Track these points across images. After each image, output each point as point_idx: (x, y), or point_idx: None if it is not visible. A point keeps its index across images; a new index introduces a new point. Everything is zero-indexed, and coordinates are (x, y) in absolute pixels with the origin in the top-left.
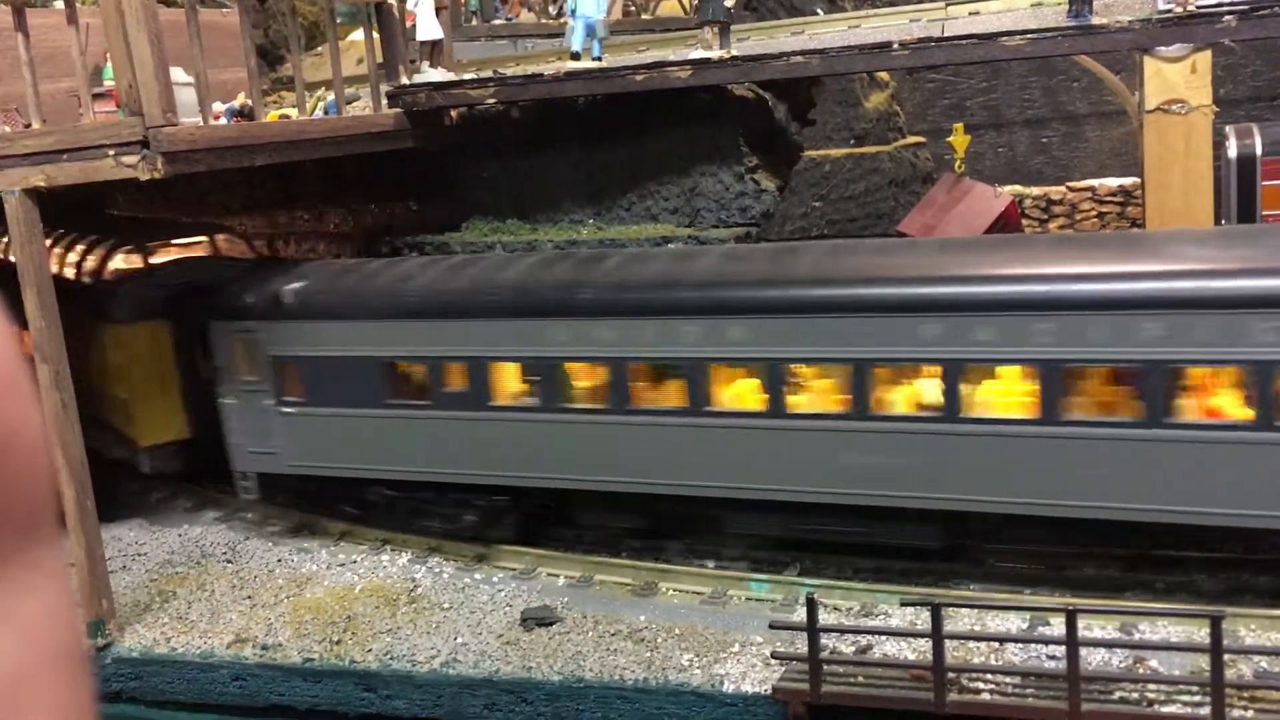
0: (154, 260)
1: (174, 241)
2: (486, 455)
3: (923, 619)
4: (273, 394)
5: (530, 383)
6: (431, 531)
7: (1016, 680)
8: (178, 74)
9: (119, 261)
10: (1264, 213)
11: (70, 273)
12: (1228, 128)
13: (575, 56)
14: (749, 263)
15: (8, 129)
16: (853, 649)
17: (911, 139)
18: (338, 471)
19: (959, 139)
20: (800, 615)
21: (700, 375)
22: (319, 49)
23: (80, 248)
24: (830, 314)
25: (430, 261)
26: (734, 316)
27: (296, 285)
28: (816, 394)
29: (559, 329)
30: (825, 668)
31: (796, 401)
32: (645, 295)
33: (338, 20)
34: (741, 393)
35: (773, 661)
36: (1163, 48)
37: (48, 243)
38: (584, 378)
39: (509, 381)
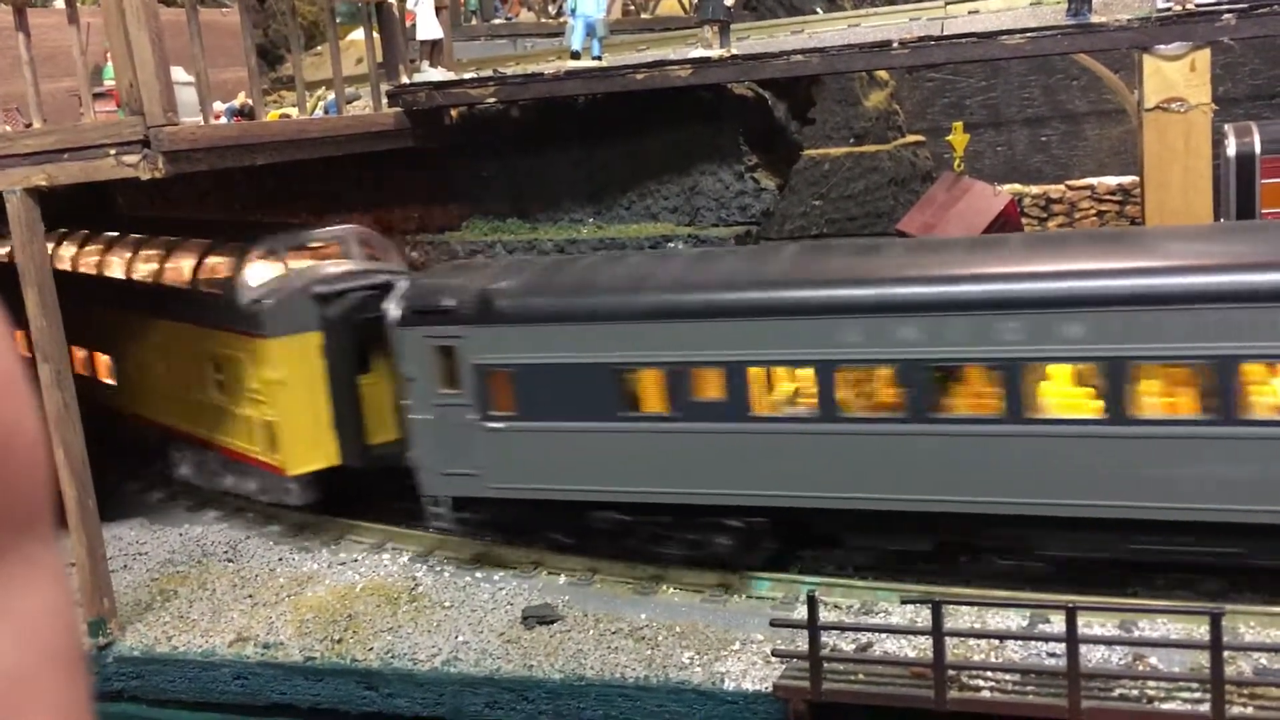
0: (295, 265)
1: (310, 245)
2: (747, 472)
3: (923, 616)
4: (476, 408)
5: (806, 390)
6: (666, 559)
7: (1017, 677)
8: (178, 73)
9: (258, 267)
10: (1263, 210)
11: (181, 280)
12: (1226, 126)
13: (575, 55)
14: (1076, 249)
15: (9, 128)
16: (853, 646)
17: (911, 138)
18: (554, 494)
19: (958, 138)
20: (801, 613)
21: (1021, 377)
22: (319, 48)
23: (193, 253)
24: (1189, 305)
25: (663, 255)
26: (1068, 310)
27: (505, 285)
28: (1167, 396)
29: (844, 328)
30: (826, 665)
31: (1140, 405)
32: (955, 289)
33: (338, 20)
34: (1070, 396)
35: (773, 659)
36: (1162, 46)
37: (136, 246)
38: (873, 383)
39: (777, 389)
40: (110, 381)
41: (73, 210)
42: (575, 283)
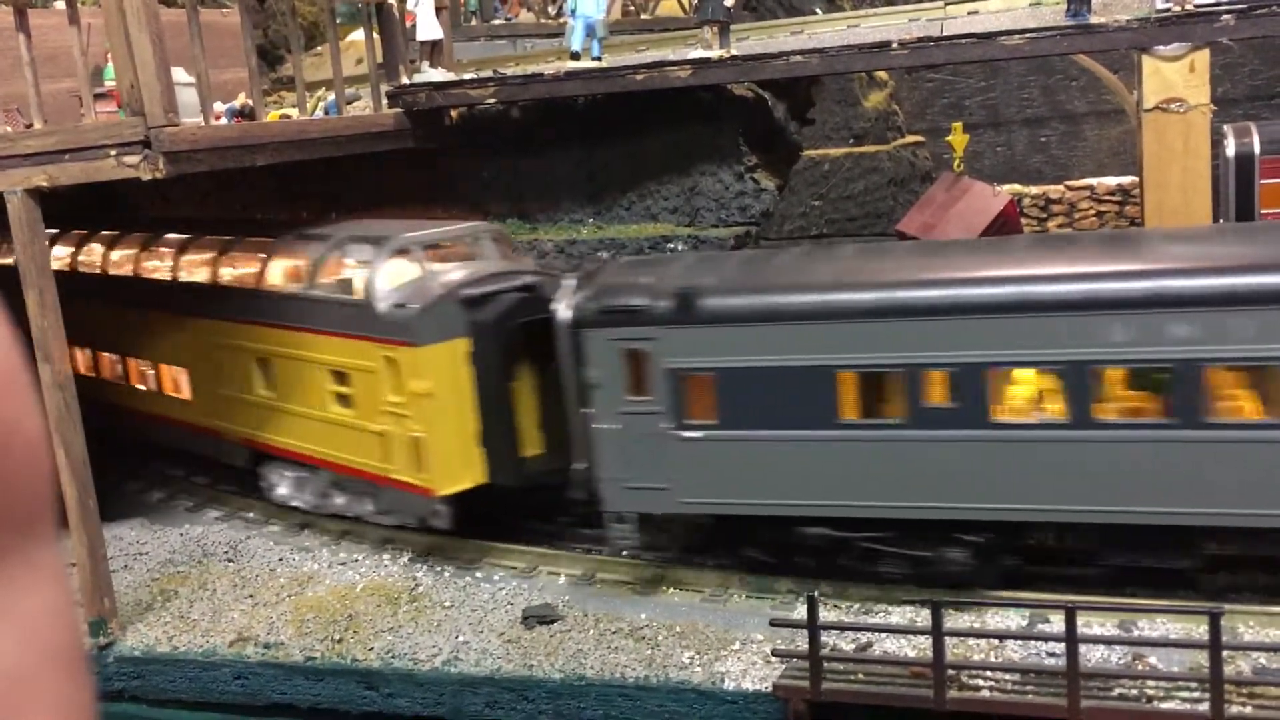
0: (432, 266)
1: (443, 243)
2: (986, 483)
3: (923, 616)
4: (669, 416)
5: (1055, 393)
6: (887, 578)
7: (1016, 677)
8: (179, 74)
9: (391, 268)
10: (1262, 211)
11: (289, 284)
12: (1226, 126)
13: (575, 56)
14: None
15: (9, 129)
16: (853, 646)
17: (910, 138)
18: (757, 509)
19: (958, 138)
20: (801, 612)
21: None
22: (319, 49)
23: (299, 255)
24: None
25: (878, 248)
26: None
27: (705, 283)
28: None
29: (1106, 326)
30: (826, 665)
31: None
32: (1237, 281)
33: (338, 20)
34: None
35: (773, 659)
36: (1161, 46)
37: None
38: (1136, 385)
39: (1021, 392)
40: (182, 396)
41: (75, 211)
42: (786, 279)
